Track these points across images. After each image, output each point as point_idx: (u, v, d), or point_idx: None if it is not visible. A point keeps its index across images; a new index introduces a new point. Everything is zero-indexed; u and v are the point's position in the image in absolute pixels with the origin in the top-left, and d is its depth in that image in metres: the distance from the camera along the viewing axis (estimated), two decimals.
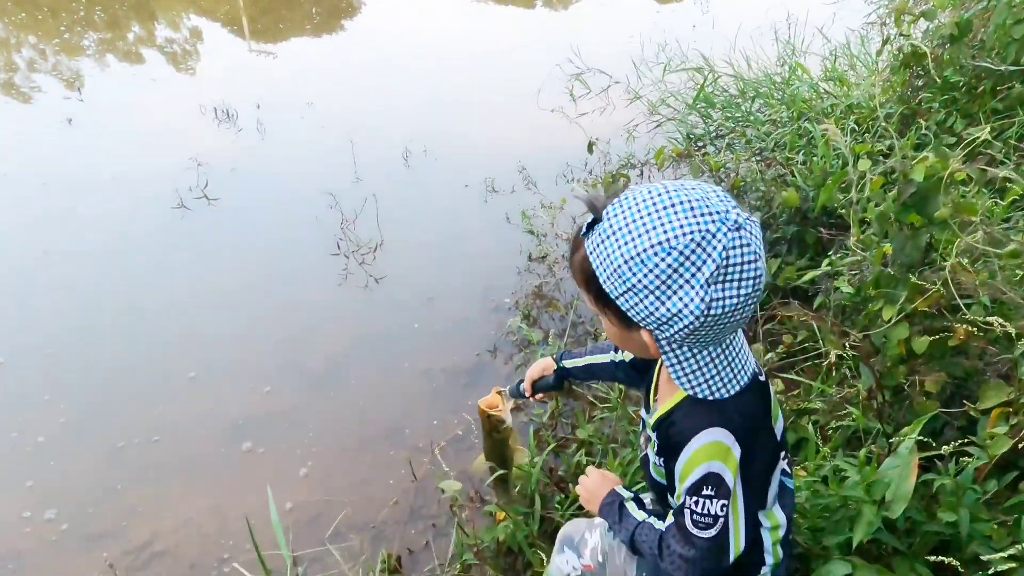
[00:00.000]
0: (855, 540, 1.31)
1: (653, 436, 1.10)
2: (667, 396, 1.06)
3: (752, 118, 3.65)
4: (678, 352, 0.93)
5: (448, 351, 2.85)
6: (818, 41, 4.26)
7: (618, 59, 5.01)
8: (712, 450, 0.96)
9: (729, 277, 0.83)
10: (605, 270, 0.87)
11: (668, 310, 0.84)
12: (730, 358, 0.95)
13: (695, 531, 1.00)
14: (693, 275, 0.82)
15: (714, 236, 0.81)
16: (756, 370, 1.01)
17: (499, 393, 1.67)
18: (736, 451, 0.96)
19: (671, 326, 0.86)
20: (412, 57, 6.06)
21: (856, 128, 2.90)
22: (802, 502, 1.47)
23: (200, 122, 4.81)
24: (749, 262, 0.83)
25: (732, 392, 0.96)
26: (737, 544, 1.01)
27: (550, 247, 3.38)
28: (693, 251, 0.81)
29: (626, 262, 0.83)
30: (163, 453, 2.46)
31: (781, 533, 1.10)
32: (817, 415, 1.94)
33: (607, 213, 0.87)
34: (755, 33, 4.54)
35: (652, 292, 0.84)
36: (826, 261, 2.14)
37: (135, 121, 4.90)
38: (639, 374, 1.30)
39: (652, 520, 1.13)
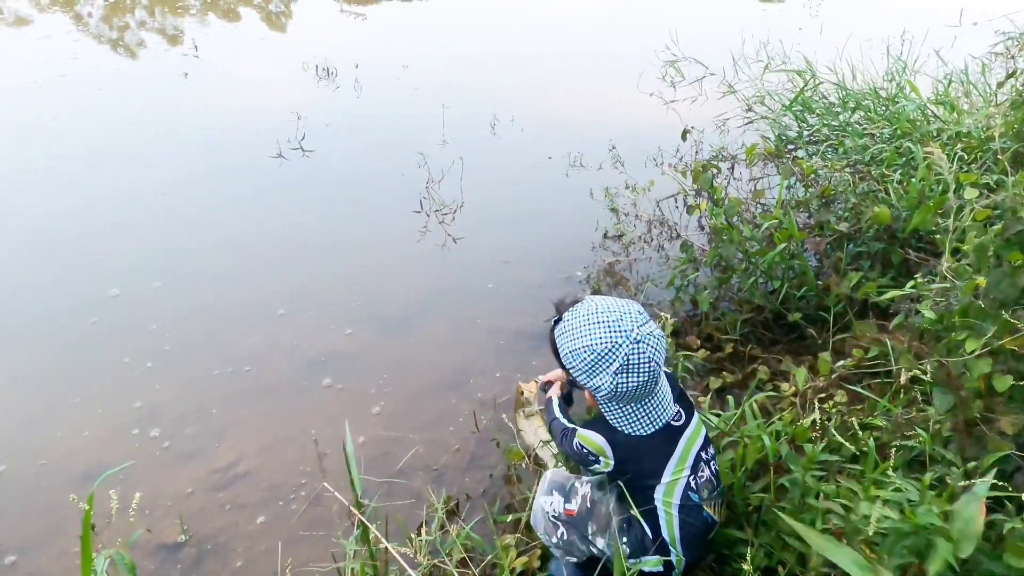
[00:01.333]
0: (931, 573, 1.31)
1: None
2: None
3: (850, 129, 3.58)
4: (608, 405, 1.47)
5: (518, 314, 2.97)
6: (932, 62, 4.11)
7: (716, 51, 4.94)
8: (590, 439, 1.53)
9: (629, 371, 1.35)
10: (560, 351, 1.43)
11: (593, 383, 1.39)
12: (648, 409, 1.46)
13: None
14: (605, 368, 1.36)
15: (619, 347, 1.35)
16: (669, 419, 1.49)
17: (535, 382, 2.08)
18: (608, 451, 1.49)
19: (597, 392, 1.41)
20: (507, 29, 6.10)
21: (963, 157, 2.83)
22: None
23: (302, 78, 5.02)
24: (644, 363, 1.35)
25: (646, 434, 1.46)
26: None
27: (628, 227, 3.45)
28: (604, 355, 1.35)
29: (570, 352, 1.40)
30: (252, 382, 2.65)
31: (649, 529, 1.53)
32: (879, 432, 1.97)
33: (565, 316, 1.44)
34: (864, 44, 4.40)
35: (583, 372, 1.39)
36: (911, 283, 2.14)
37: (243, 76, 5.16)
38: None
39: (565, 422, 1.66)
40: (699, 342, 2.58)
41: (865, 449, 1.90)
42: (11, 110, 4.57)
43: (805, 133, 3.83)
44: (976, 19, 5.25)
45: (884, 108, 3.57)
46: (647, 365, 1.35)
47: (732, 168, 3.86)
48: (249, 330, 2.89)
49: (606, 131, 4.32)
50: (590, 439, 1.49)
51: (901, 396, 2.05)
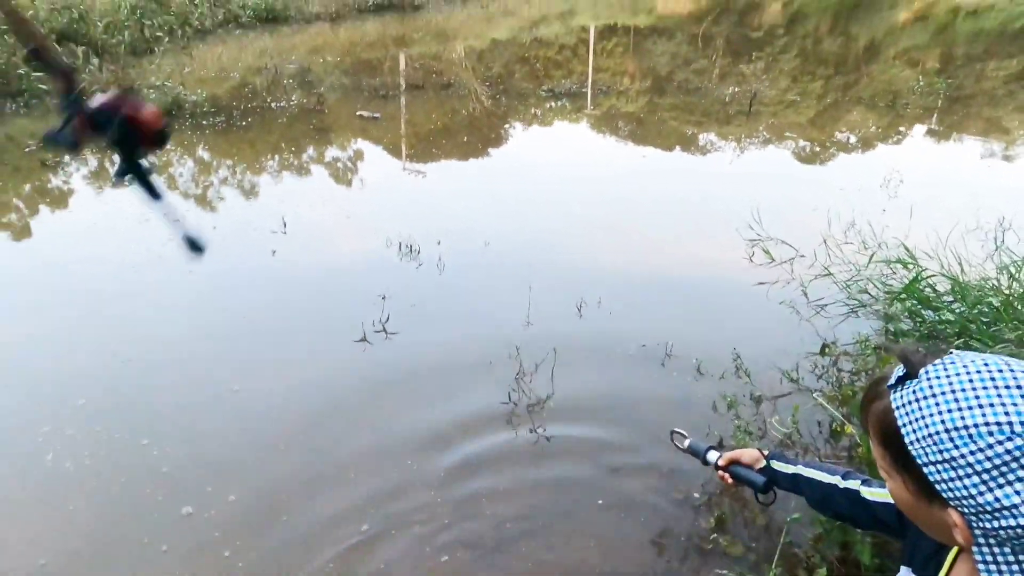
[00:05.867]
0: None
1: None
2: None
3: (975, 327, 3.31)
4: (997, 551, 0.73)
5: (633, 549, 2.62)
6: None
7: (799, 231, 4.89)
8: None
9: None
10: (916, 431, 0.76)
11: (997, 499, 0.70)
12: None
13: None
14: None
15: None
16: None
17: (673, 434, 1.58)
18: None
19: (997, 519, 0.70)
20: (581, 201, 6.29)
21: None
22: None
23: (386, 255, 5.15)
24: None
25: None
26: None
27: (751, 442, 3.06)
28: None
29: (948, 431, 0.72)
30: None
31: None
32: None
33: (926, 373, 0.77)
34: (956, 229, 4.27)
35: (978, 474, 0.71)
36: None
37: (328, 254, 5.34)
38: (884, 524, 1.12)
39: None
40: None
41: None
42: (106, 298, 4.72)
43: (923, 328, 3.57)
44: None
45: (1014, 306, 3.31)
46: None
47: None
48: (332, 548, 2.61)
49: (703, 320, 4.17)
50: None
51: None
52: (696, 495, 2.85)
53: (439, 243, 5.22)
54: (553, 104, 10.77)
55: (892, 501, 1.09)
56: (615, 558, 2.57)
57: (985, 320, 3.36)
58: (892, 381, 0.82)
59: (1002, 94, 11.35)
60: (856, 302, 4.08)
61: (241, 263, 5.09)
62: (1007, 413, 0.70)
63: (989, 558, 0.75)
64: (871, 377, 3.35)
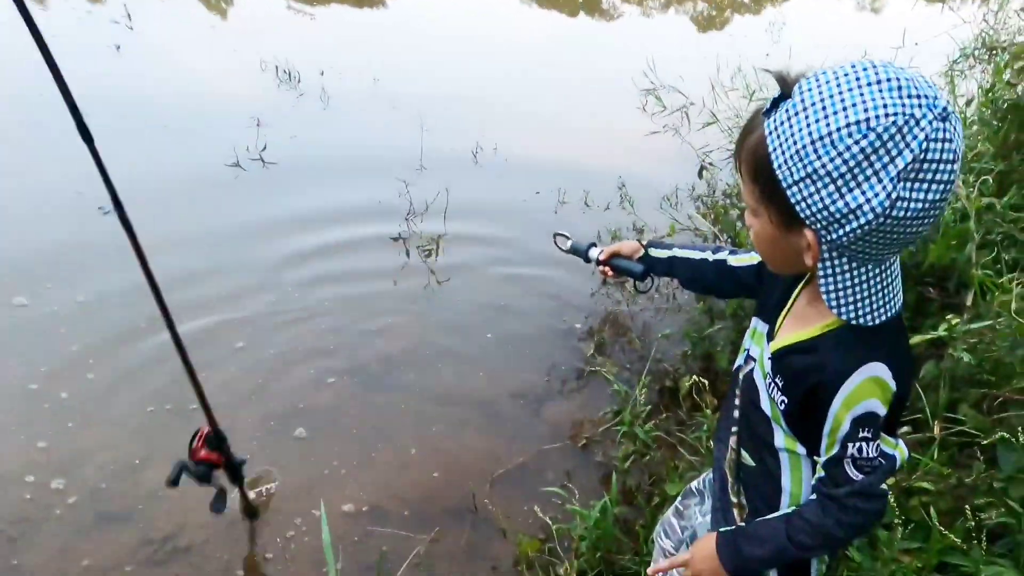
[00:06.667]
0: None
1: (770, 370, 1.00)
2: (806, 322, 0.95)
3: None
4: (836, 263, 0.83)
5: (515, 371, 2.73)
6: None
7: (691, 79, 4.89)
8: (871, 387, 0.87)
9: (922, 175, 0.73)
10: (785, 151, 0.79)
11: (846, 204, 0.76)
12: (886, 281, 0.86)
13: (859, 476, 0.92)
14: (884, 166, 0.73)
15: (917, 123, 0.72)
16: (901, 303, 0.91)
17: (556, 236, 1.54)
18: (892, 386, 0.88)
19: (843, 225, 0.78)
20: (474, 51, 5.91)
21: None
22: None
23: (260, 79, 4.61)
24: (947, 161, 0.73)
25: (884, 319, 0.86)
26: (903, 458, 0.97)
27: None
28: (892, 136, 0.72)
29: (812, 142, 0.75)
30: None
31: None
32: (928, 497, 1.83)
33: (799, 87, 0.79)
34: (826, 62, 4.42)
35: (834, 181, 0.76)
36: (944, 325, 2.00)
37: (186, 61, 4.64)
38: (744, 286, 1.23)
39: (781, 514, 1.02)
40: (716, 401, 2.41)
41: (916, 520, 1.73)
42: None
43: None
44: (917, 39, 5.43)
45: None
46: (950, 167, 0.74)
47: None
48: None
49: (593, 165, 4.16)
50: (868, 383, 0.87)
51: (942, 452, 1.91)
52: (578, 325, 2.97)
53: (322, 74, 4.75)
54: None
55: (752, 263, 1.16)
56: (501, 384, 2.66)
57: None
58: (767, 107, 0.83)
59: None
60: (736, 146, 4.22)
61: (75, 58, 4.37)
62: (866, 110, 0.72)
63: (829, 270, 0.84)
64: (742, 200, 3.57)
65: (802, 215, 0.80)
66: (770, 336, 1.03)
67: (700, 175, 3.01)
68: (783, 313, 1.02)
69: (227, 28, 5.38)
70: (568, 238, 1.53)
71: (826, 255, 0.83)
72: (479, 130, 4.36)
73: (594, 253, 1.46)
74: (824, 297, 0.86)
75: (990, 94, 2.67)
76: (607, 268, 1.44)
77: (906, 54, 4.06)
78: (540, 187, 3.91)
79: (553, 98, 5.23)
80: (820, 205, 0.78)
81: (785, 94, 0.80)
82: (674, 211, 3.53)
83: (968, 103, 3.19)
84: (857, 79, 0.74)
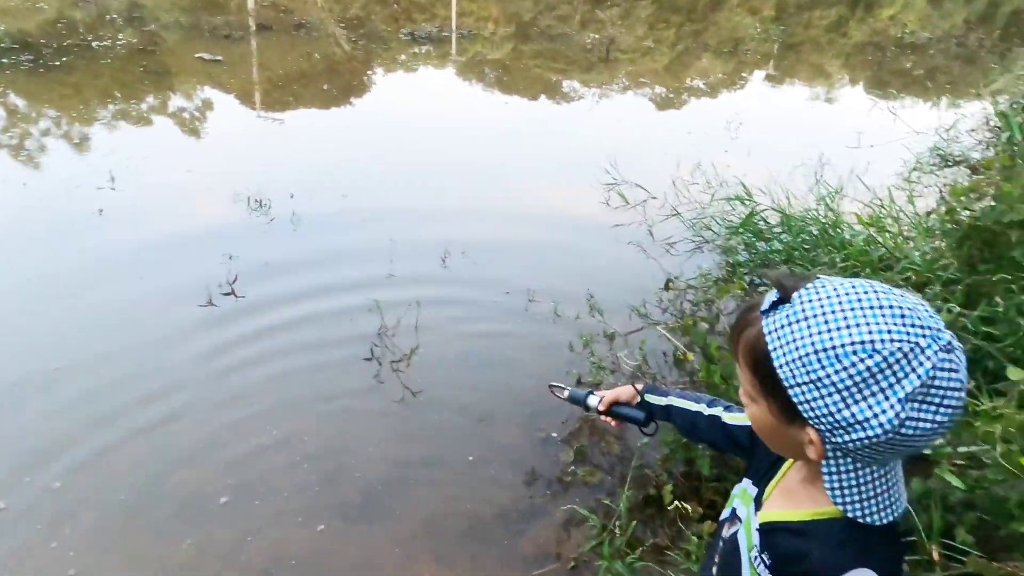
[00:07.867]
0: None
1: (758, 543, 0.97)
2: (797, 502, 0.94)
3: (797, 254, 3.67)
4: (841, 462, 0.83)
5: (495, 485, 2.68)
6: (852, 185, 4.38)
7: (651, 174, 5.12)
8: None
9: (930, 399, 0.75)
10: (786, 354, 0.79)
11: (852, 415, 0.76)
12: (891, 482, 0.85)
13: None
14: (891, 385, 0.74)
15: (923, 351, 0.73)
16: (906, 507, 0.89)
17: (552, 387, 1.60)
18: None
19: (849, 433, 0.77)
20: (434, 145, 6.16)
21: (914, 290, 2.89)
22: None
23: (233, 211, 4.74)
24: (954, 389, 0.75)
25: (886, 521, 0.84)
26: None
27: (605, 377, 3.17)
28: (898, 360, 0.73)
29: (816, 352, 0.76)
30: None
31: None
32: None
33: (799, 296, 0.80)
34: (789, 166, 4.67)
35: (839, 391, 0.76)
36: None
37: (165, 214, 4.81)
38: (738, 445, 1.21)
39: None
40: (701, 510, 2.37)
41: None
42: None
43: (756, 258, 3.90)
44: (872, 142, 5.76)
45: (828, 233, 3.69)
46: (957, 394, 0.76)
47: (717, 318, 3.52)
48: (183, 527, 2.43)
49: (559, 260, 4.27)
50: None
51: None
52: (555, 433, 2.95)
53: (292, 196, 4.89)
54: (418, 50, 10.36)
55: (747, 424, 1.11)
56: (482, 501, 2.62)
57: (807, 247, 3.73)
58: (766, 307, 0.84)
59: (824, 41, 12.46)
60: (700, 238, 4.37)
61: (57, 225, 4.48)
62: (870, 332, 0.75)
63: (834, 468, 0.84)
64: (710, 307, 3.61)
65: (805, 415, 0.80)
66: (758, 502, 1.02)
67: (667, 287, 3.07)
68: (773, 483, 1.02)
69: (202, 168, 5.61)
70: (564, 388, 1.57)
71: (830, 454, 0.83)
72: (447, 234, 4.49)
73: (593, 402, 1.49)
74: (829, 493, 0.85)
75: (951, 214, 2.82)
76: (609, 418, 1.44)
77: (863, 155, 4.31)
78: (510, 287, 3.98)
79: (517, 193, 5.43)
80: (825, 411, 0.78)
81: (784, 299, 0.82)
82: (643, 320, 3.57)
83: (929, 214, 3.34)
84: (859, 300, 0.77)
